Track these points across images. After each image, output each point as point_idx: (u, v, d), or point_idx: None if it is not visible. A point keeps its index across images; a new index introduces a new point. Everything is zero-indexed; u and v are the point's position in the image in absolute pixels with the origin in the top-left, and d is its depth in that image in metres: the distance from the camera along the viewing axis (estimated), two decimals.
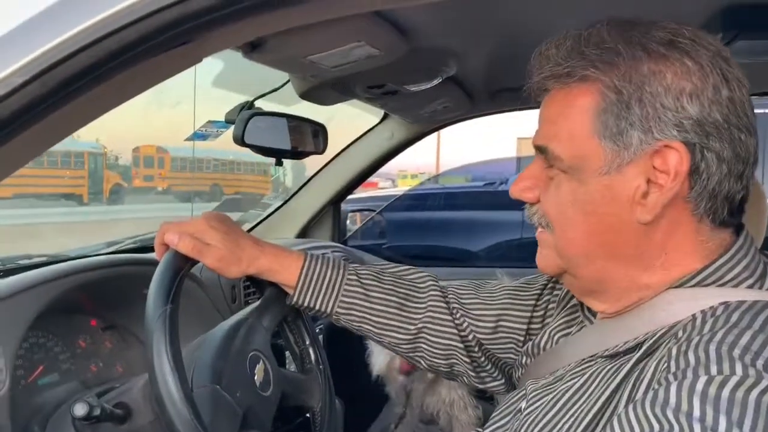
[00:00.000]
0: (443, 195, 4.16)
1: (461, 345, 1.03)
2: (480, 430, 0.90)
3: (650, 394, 0.59)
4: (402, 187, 10.54)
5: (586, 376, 0.73)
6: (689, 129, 0.67)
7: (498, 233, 3.31)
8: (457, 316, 1.04)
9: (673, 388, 0.57)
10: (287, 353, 1.40)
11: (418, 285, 1.07)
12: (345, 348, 1.79)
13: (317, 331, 1.51)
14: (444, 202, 3.92)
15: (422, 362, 1.07)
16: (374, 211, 2.65)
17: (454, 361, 1.05)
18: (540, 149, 0.76)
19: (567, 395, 0.74)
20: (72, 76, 0.68)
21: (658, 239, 0.71)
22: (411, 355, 1.06)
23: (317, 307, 1.03)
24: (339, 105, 1.66)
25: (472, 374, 1.05)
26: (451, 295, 1.05)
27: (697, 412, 0.54)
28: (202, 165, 17.44)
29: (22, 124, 0.66)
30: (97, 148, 15.20)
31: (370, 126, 2.15)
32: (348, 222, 2.43)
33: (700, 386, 0.56)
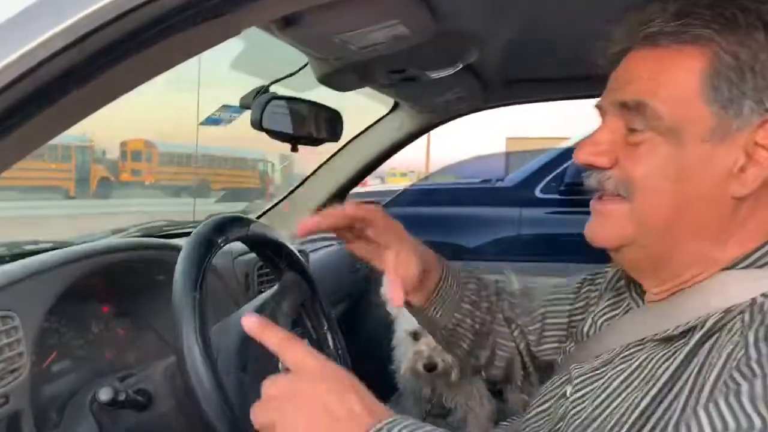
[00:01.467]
0: (442, 191, 4.14)
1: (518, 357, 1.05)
2: (516, 418, 0.88)
3: (745, 386, 0.55)
4: (391, 185, 10.52)
5: (638, 361, 0.71)
6: None
7: (497, 229, 3.30)
8: (516, 334, 1.04)
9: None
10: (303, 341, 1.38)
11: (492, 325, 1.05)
12: (349, 340, 1.77)
13: None
14: (444, 198, 3.90)
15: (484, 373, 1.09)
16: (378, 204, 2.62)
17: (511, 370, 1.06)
18: (628, 106, 0.70)
19: (618, 380, 0.72)
20: (112, 43, 0.65)
21: (742, 214, 0.69)
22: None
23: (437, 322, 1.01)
24: (349, 96, 1.63)
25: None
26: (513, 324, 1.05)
27: None
28: (190, 160, 17.35)
29: (61, 91, 0.63)
30: (85, 141, 15.07)
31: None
32: None
33: None
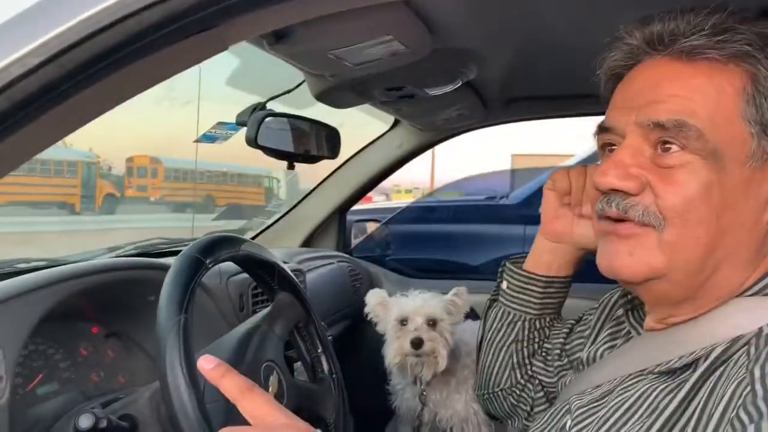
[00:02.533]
0: (446, 208, 4.11)
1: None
2: None
3: (751, 428, 0.52)
4: (396, 201, 10.50)
5: (638, 393, 0.68)
6: None
7: (500, 247, 3.26)
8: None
9: None
10: (296, 364, 1.34)
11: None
12: (348, 362, 1.73)
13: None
14: (447, 215, 3.87)
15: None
16: (379, 221, 2.60)
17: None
18: (664, 126, 0.63)
19: (619, 412, 0.68)
20: (91, 59, 0.63)
21: None
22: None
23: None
24: (348, 111, 1.61)
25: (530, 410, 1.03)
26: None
27: None
28: (195, 176, 17.40)
29: (38, 108, 0.61)
30: (91, 157, 15.15)
31: (378, 135, 2.11)
32: (353, 231, 2.37)
33: None
